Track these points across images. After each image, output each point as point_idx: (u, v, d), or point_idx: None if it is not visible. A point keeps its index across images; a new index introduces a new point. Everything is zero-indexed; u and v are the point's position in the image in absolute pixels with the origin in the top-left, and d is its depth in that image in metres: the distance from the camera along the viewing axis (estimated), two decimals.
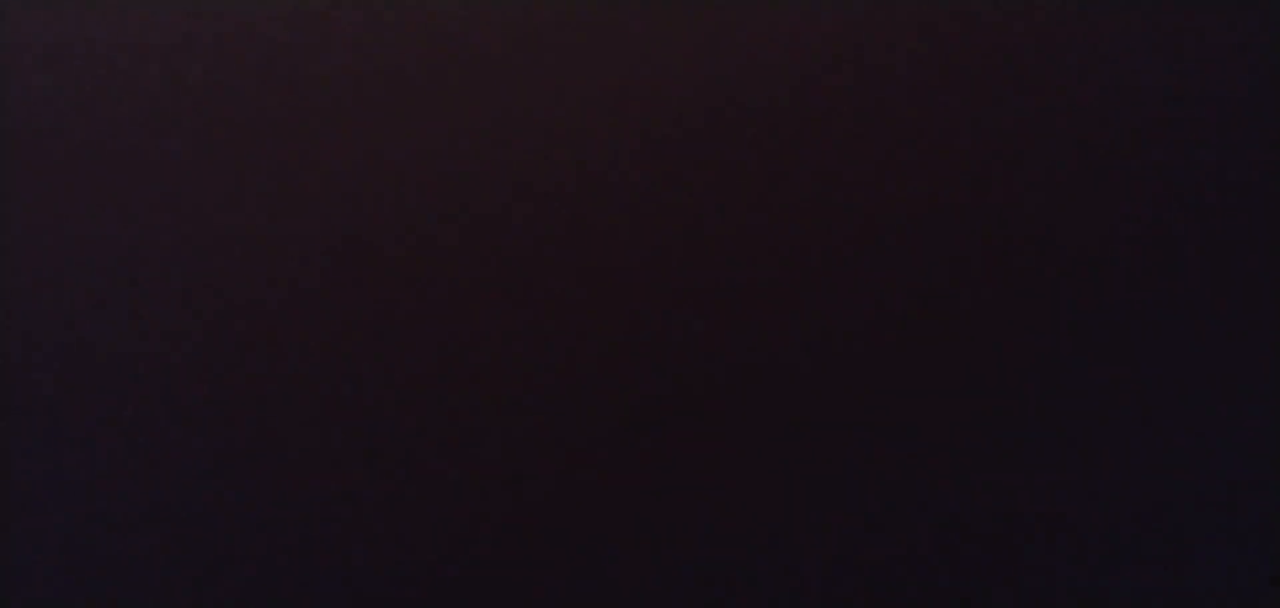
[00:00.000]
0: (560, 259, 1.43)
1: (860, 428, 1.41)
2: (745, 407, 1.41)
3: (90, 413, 1.39)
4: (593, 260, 1.43)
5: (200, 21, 1.46)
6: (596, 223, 1.44)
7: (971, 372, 1.41)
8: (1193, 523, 1.40)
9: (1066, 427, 1.41)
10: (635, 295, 1.43)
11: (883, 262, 1.43)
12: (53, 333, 1.40)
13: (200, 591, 1.37)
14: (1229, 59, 1.47)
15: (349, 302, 1.42)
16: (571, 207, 1.44)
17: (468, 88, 1.46)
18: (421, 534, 1.38)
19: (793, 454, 1.40)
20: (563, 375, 1.41)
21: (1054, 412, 1.41)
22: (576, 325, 1.42)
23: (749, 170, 1.45)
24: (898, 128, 1.46)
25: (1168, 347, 1.42)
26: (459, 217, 1.43)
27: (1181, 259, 1.44)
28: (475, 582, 1.38)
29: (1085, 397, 1.41)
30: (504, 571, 1.38)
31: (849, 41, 1.47)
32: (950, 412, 1.41)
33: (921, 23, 1.47)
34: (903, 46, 1.47)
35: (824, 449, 1.40)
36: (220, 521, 1.38)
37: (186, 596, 1.37)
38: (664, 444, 1.40)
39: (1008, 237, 1.44)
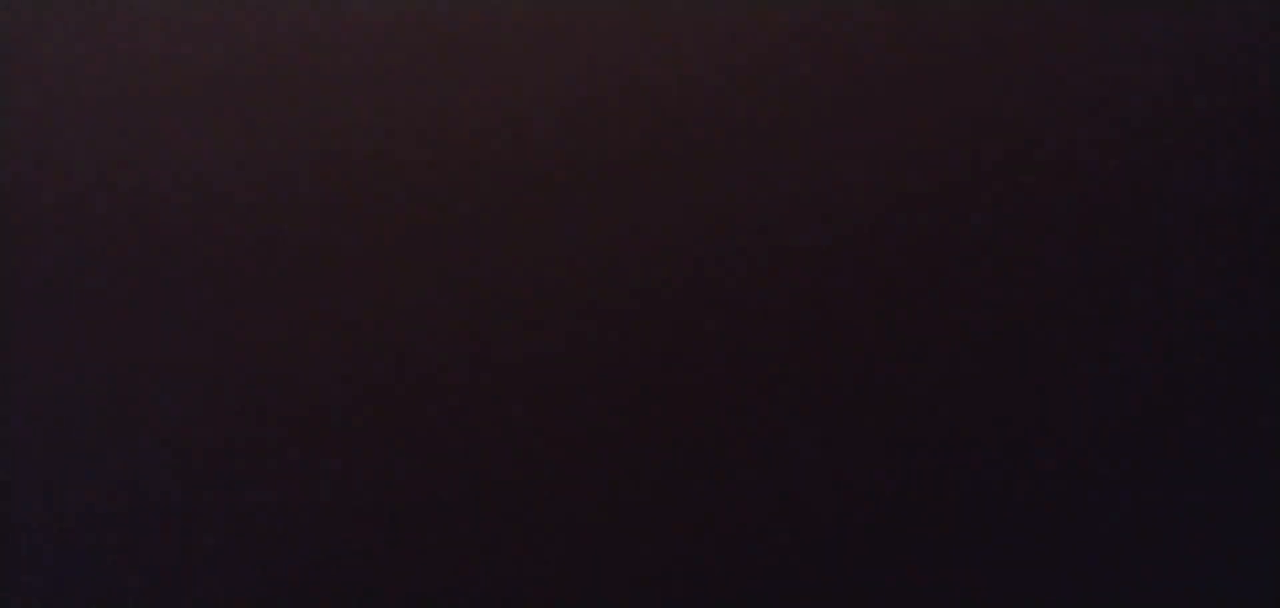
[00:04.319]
0: (554, 259, 1.43)
1: (860, 429, 1.41)
2: (743, 409, 1.41)
3: (90, 414, 1.39)
4: (590, 260, 1.43)
5: (201, 21, 1.46)
6: (593, 222, 1.44)
7: (972, 374, 1.42)
8: (1193, 525, 1.40)
9: (1066, 427, 1.41)
10: (633, 296, 1.43)
11: (883, 262, 1.44)
12: (52, 333, 1.40)
13: (201, 592, 1.36)
14: (1229, 59, 1.48)
15: (351, 302, 1.42)
16: (567, 205, 1.44)
17: (464, 84, 1.46)
18: (421, 538, 1.38)
19: (791, 456, 1.40)
20: (560, 377, 1.41)
21: (1054, 413, 1.42)
22: (573, 326, 1.42)
23: (745, 170, 1.45)
24: (900, 129, 1.46)
25: (1167, 348, 1.43)
26: (456, 216, 1.44)
27: (1181, 260, 1.44)
28: (476, 584, 1.38)
29: (1085, 397, 1.42)
30: (506, 573, 1.38)
31: (847, 41, 1.48)
32: (951, 413, 1.41)
33: (923, 21, 1.48)
34: (904, 45, 1.47)
35: (824, 452, 1.41)
36: (221, 523, 1.38)
37: (186, 597, 1.36)
38: (663, 446, 1.40)
39: (1008, 237, 1.44)
